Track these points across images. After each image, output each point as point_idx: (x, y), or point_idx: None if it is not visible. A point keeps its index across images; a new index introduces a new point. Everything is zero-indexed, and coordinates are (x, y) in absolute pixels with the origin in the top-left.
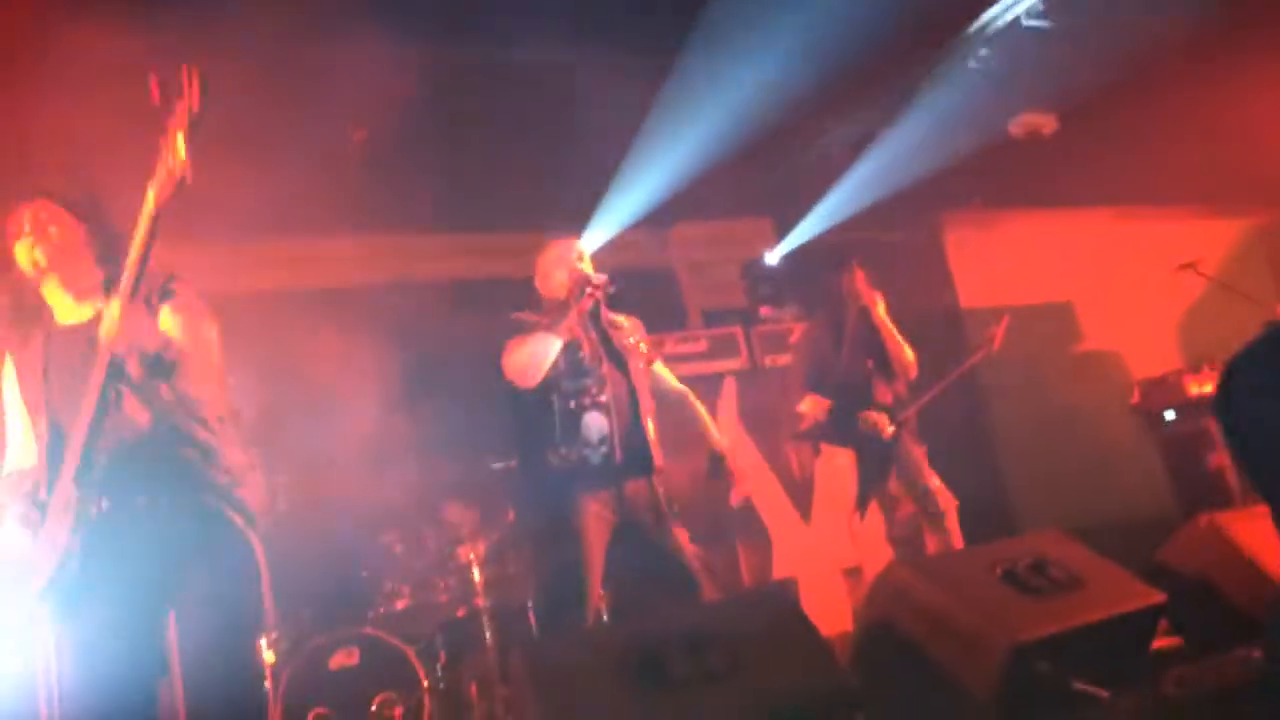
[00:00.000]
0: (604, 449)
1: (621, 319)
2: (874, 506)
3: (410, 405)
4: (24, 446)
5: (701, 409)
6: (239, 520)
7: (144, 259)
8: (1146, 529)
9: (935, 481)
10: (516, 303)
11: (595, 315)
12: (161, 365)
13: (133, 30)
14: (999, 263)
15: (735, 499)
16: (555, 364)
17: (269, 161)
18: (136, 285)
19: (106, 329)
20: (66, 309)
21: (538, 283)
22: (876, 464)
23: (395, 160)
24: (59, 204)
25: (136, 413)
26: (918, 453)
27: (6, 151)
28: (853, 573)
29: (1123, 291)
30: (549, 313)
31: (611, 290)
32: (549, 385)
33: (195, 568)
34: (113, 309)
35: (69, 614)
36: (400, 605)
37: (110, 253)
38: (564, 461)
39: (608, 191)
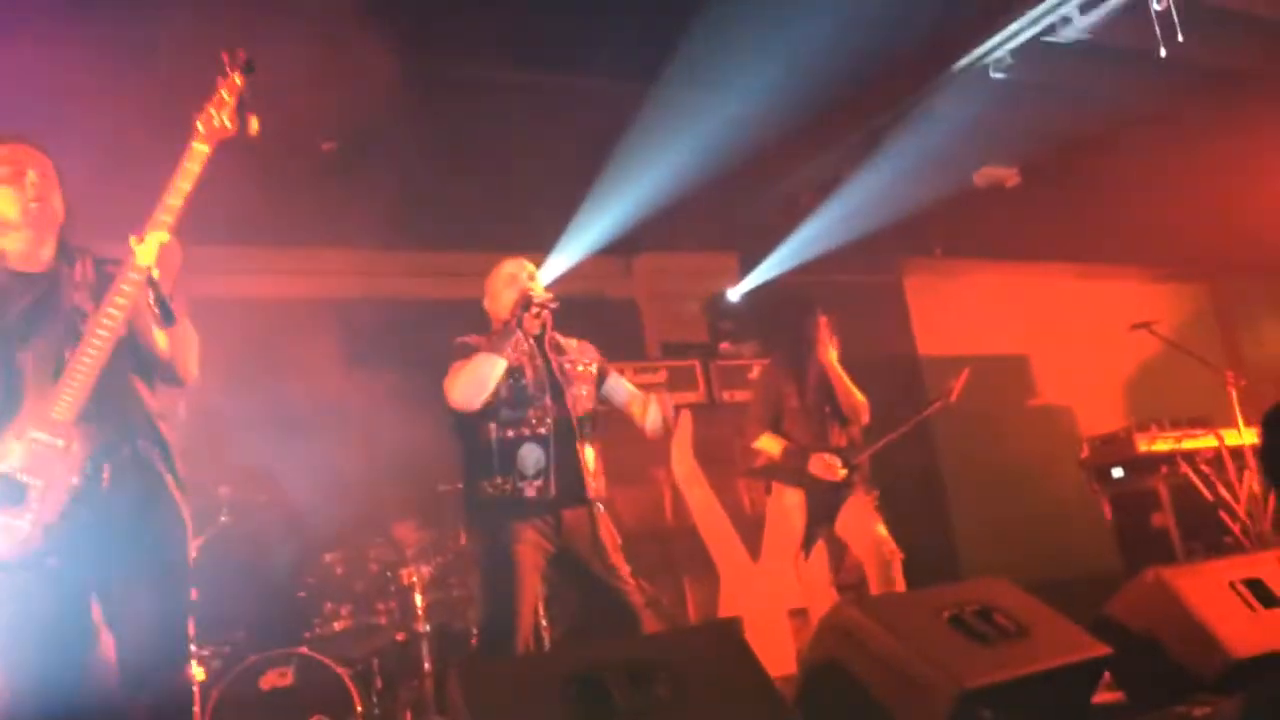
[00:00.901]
0: (539, 481)
1: (570, 341)
2: (821, 550)
3: (364, 421)
4: None
5: (639, 399)
6: (171, 481)
7: (187, 197)
8: (1091, 584)
9: (882, 530)
10: (471, 325)
11: (540, 339)
12: (165, 309)
13: None
14: (957, 312)
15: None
16: (497, 390)
17: (236, 167)
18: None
19: (149, 255)
20: (20, 257)
21: (486, 303)
22: (825, 506)
23: (362, 174)
24: (37, 149)
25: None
26: (867, 499)
27: None
28: (798, 614)
29: (1077, 347)
30: (495, 335)
31: (553, 307)
32: (488, 413)
33: (135, 527)
34: (161, 236)
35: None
36: (338, 626)
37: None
38: (499, 491)
39: (574, 216)
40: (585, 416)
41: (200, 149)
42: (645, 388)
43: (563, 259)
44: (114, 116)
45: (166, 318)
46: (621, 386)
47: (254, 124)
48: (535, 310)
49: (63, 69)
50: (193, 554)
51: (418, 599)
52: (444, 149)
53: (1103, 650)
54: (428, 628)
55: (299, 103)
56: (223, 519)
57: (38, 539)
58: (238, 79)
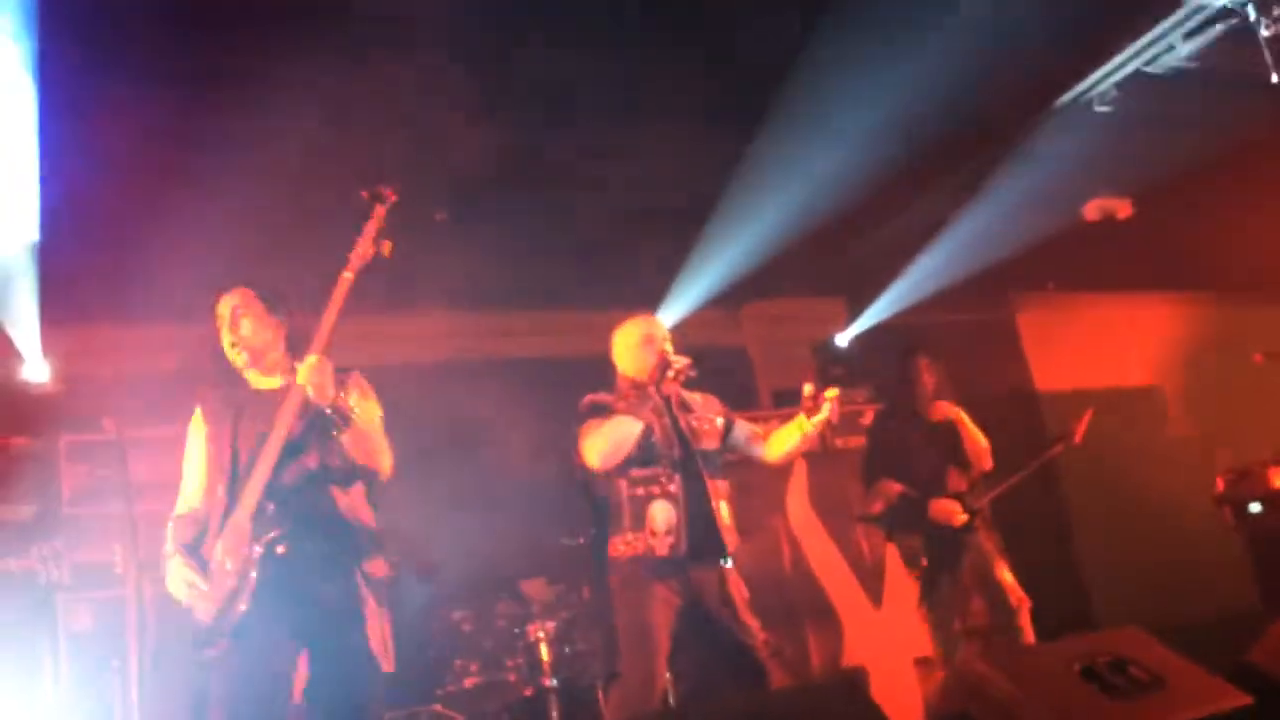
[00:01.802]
0: (670, 539)
1: (695, 397)
2: (946, 597)
3: (489, 479)
4: (197, 492)
5: (768, 442)
6: (357, 573)
7: (336, 321)
8: (1231, 626)
9: (1008, 576)
10: (588, 382)
11: (668, 397)
12: (339, 416)
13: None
14: (1075, 346)
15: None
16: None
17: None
18: (328, 344)
19: (304, 375)
20: (257, 378)
21: (616, 359)
22: (948, 551)
23: (476, 239)
24: (256, 296)
25: (308, 458)
26: (990, 544)
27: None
28: (924, 662)
29: (1206, 377)
30: (624, 394)
31: (693, 375)
32: (619, 470)
33: (331, 619)
34: (310, 360)
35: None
36: (468, 683)
37: (296, 334)
38: (630, 549)
39: (682, 269)
40: (715, 471)
41: (347, 278)
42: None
43: (672, 312)
44: None
45: (333, 425)
46: (749, 433)
47: (387, 247)
48: (673, 374)
49: None
50: None
51: (544, 654)
52: (555, 210)
53: (1244, 700)
54: (555, 683)
55: (413, 176)
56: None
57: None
58: (379, 211)
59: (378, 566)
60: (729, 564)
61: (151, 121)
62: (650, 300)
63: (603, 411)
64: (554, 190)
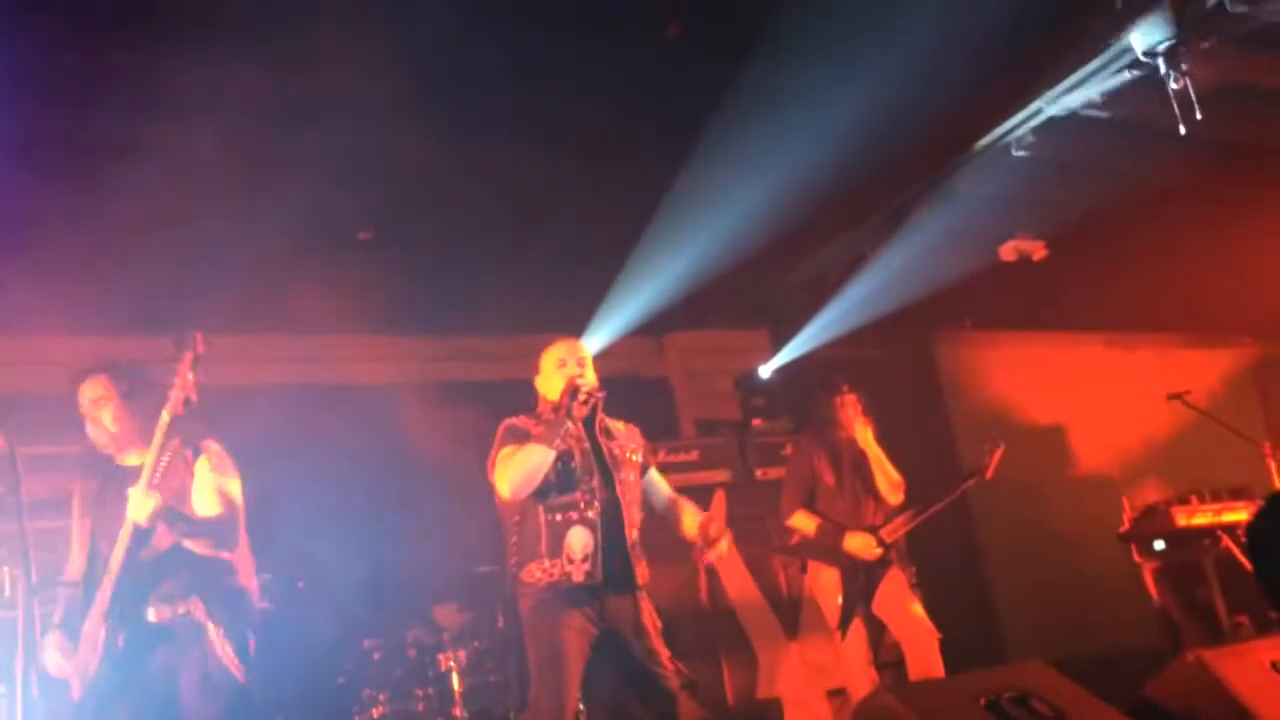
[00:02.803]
0: (587, 566)
1: (619, 425)
2: (859, 629)
3: (404, 505)
4: (75, 564)
5: (689, 511)
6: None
7: (161, 456)
8: (1134, 661)
9: (918, 609)
10: (510, 406)
11: (590, 423)
12: (185, 520)
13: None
14: (991, 383)
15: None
16: (546, 474)
17: (273, 256)
18: (154, 476)
19: (133, 511)
20: (122, 458)
21: (538, 383)
22: (861, 584)
23: (396, 261)
24: (113, 385)
25: (158, 540)
26: (903, 576)
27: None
28: (837, 694)
29: (1115, 417)
30: (544, 418)
31: (600, 396)
32: (536, 496)
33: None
34: (137, 494)
35: None
36: (376, 713)
37: (151, 415)
38: (546, 575)
39: (605, 298)
40: (632, 501)
41: (165, 420)
42: (678, 468)
43: (595, 340)
44: None
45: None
46: (659, 488)
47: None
48: (583, 399)
49: None
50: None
51: (455, 684)
52: (475, 235)
53: None
54: (466, 714)
55: (336, 195)
56: (261, 605)
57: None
58: (187, 359)
59: (228, 587)
60: (643, 593)
61: (39, 125)
62: (574, 327)
63: (519, 436)
64: (480, 216)
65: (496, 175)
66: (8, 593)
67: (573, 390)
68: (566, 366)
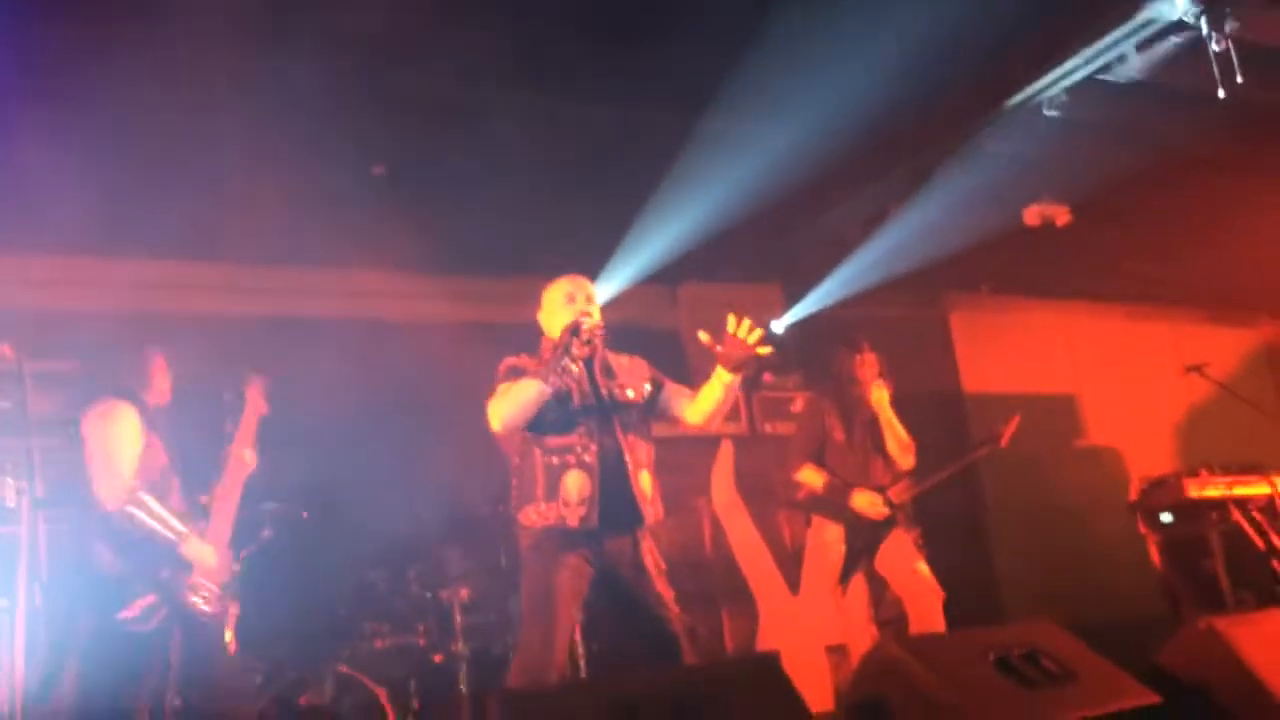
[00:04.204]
0: (582, 510)
1: (622, 360)
2: (861, 586)
3: (410, 442)
4: None
5: (706, 387)
6: None
7: None
8: (1137, 629)
9: (923, 568)
10: (518, 347)
11: (590, 363)
12: None
13: None
14: (1005, 349)
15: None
16: (543, 415)
17: (290, 190)
18: None
19: None
20: None
21: (540, 318)
22: (865, 542)
23: (409, 197)
24: None
25: None
26: (909, 536)
27: None
28: (837, 650)
29: (1128, 388)
30: (544, 357)
31: (600, 336)
32: (534, 438)
33: None
34: None
35: None
36: (378, 645)
37: None
38: (542, 519)
39: (621, 243)
40: (638, 438)
41: None
42: None
43: (608, 285)
44: None
45: None
46: (681, 395)
47: None
48: (585, 338)
49: None
50: (236, 568)
51: (457, 620)
52: (491, 174)
53: (1152, 699)
54: (466, 650)
55: (349, 127)
56: (265, 533)
57: None
58: None
59: None
60: (646, 534)
61: (62, 40)
62: (584, 271)
63: (515, 374)
64: (494, 155)
65: (510, 116)
66: (11, 505)
67: (574, 328)
68: (575, 302)
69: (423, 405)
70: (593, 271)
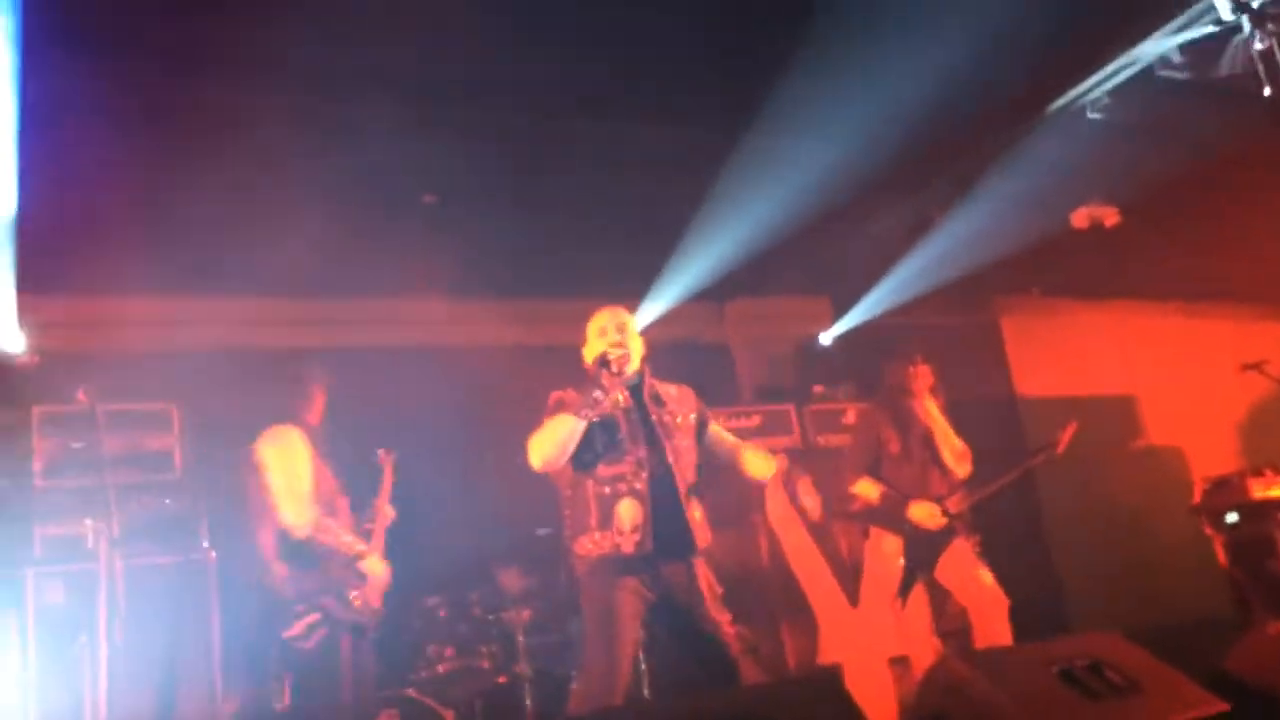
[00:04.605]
0: (636, 536)
1: (670, 389)
2: (922, 597)
3: (466, 467)
4: None
5: (751, 454)
6: None
7: None
8: (1204, 632)
9: (986, 576)
10: (570, 369)
11: (638, 391)
12: None
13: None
14: (1058, 352)
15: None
16: (592, 445)
17: (343, 223)
18: None
19: None
20: None
21: (584, 351)
22: (925, 552)
23: (462, 225)
24: None
25: None
26: (968, 545)
27: None
28: (899, 661)
29: (1186, 387)
30: (585, 388)
31: (623, 360)
32: (584, 467)
33: None
34: None
35: None
36: (442, 669)
37: None
38: (597, 548)
39: (668, 262)
40: (687, 466)
41: None
42: (738, 434)
43: (656, 305)
44: None
45: None
46: (723, 441)
47: None
48: (614, 369)
49: None
50: None
51: (519, 641)
52: (540, 198)
53: (1220, 707)
54: (529, 671)
55: (400, 158)
56: None
57: None
58: None
59: None
60: (698, 559)
61: (136, 94)
62: (634, 293)
63: (559, 406)
64: (543, 180)
65: (558, 140)
66: (90, 545)
67: (602, 360)
68: (606, 335)
69: (480, 429)
70: (641, 291)
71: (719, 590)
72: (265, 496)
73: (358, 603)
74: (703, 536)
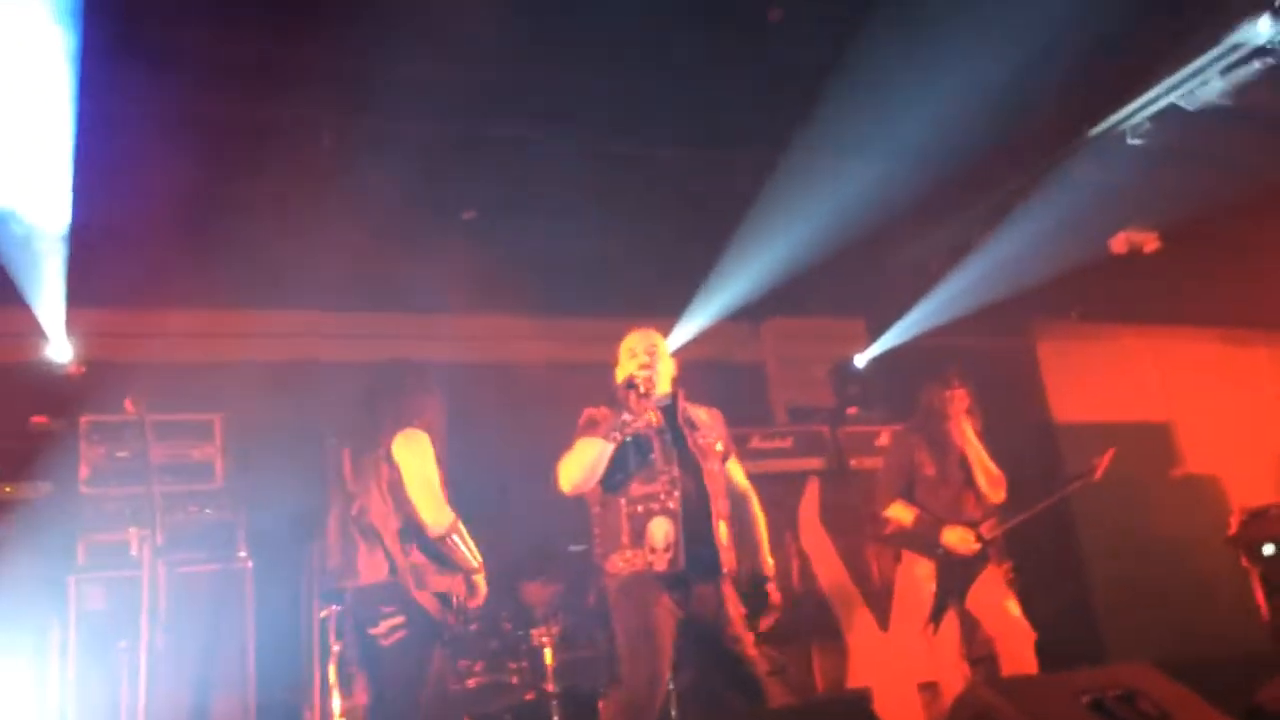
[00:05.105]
0: (669, 554)
1: (702, 413)
2: (953, 623)
3: (497, 483)
4: None
5: (760, 518)
6: None
7: None
8: (1241, 668)
9: (1014, 607)
10: (605, 385)
11: (671, 413)
12: None
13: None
14: (1095, 377)
15: (764, 626)
16: (625, 465)
17: (380, 237)
18: None
19: None
20: None
21: (616, 372)
22: (957, 578)
23: (500, 240)
24: None
25: None
26: (999, 573)
27: None
28: (928, 687)
29: (1225, 415)
30: (622, 408)
31: (653, 388)
32: (616, 487)
33: None
34: None
35: None
36: (472, 683)
37: None
38: (629, 565)
39: (704, 281)
40: (718, 491)
41: None
42: (771, 454)
43: (692, 324)
44: None
45: None
46: (734, 481)
47: None
48: (642, 391)
49: None
50: (338, 607)
51: (548, 658)
52: (578, 215)
53: None
54: (557, 687)
55: (442, 173)
56: None
57: None
58: None
59: None
60: (725, 581)
61: (186, 109)
62: (670, 311)
63: (592, 428)
64: (581, 197)
65: (599, 158)
66: (134, 552)
67: (629, 383)
68: (636, 356)
69: (511, 444)
70: (678, 309)
71: (743, 610)
72: (401, 493)
73: (458, 615)
74: (729, 560)
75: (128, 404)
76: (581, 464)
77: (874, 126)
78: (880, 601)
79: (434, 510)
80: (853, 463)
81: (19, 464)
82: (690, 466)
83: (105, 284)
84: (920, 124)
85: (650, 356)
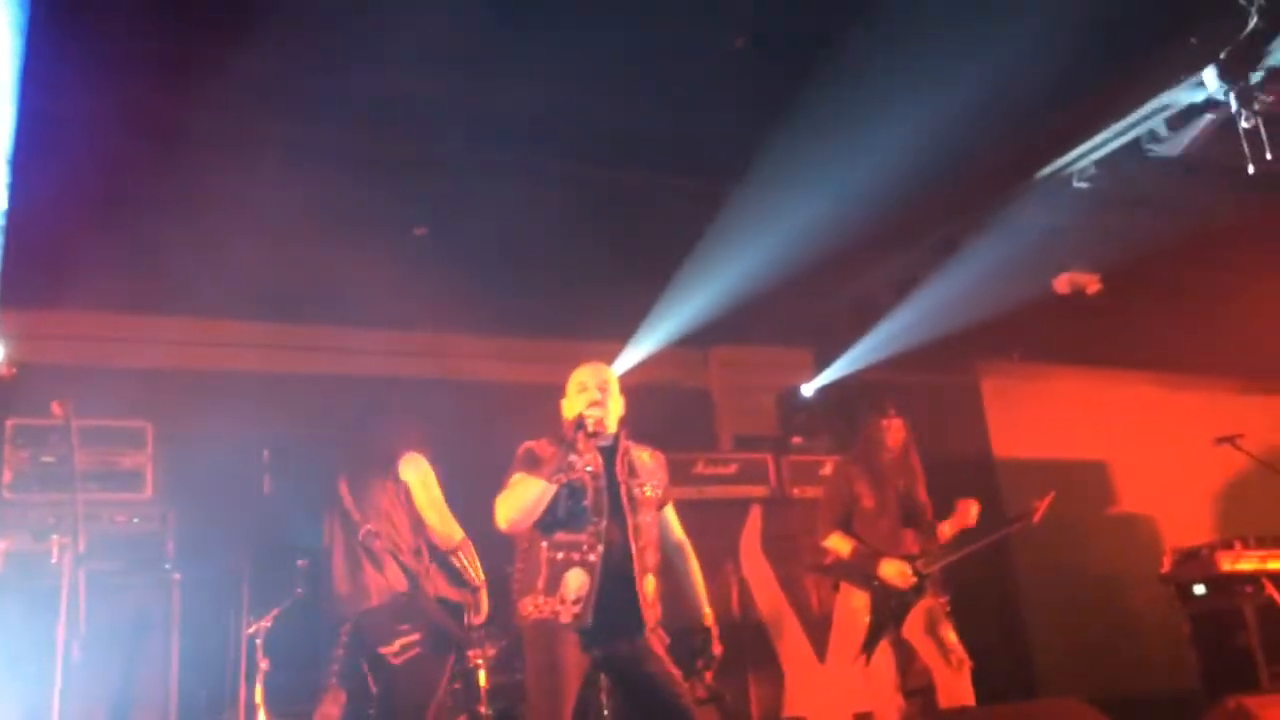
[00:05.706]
0: (577, 609)
1: (645, 455)
2: (888, 653)
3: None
4: None
5: (696, 569)
6: None
7: None
8: (1169, 703)
9: (951, 636)
10: (548, 411)
11: (610, 457)
12: None
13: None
14: (1036, 416)
15: (709, 678)
16: (555, 510)
17: (332, 250)
18: None
19: None
20: None
21: (563, 405)
22: (893, 609)
23: (450, 258)
24: None
25: None
26: (937, 605)
27: None
28: (863, 717)
29: (1161, 457)
30: (565, 444)
31: (603, 428)
32: (543, 530)
33: None
34: None
35: None
36: None
37: None
38: (538, 611)
39: (653, 307)
40: (647, 545)
41: None
42: (715, 480)
43: (640, 348)
44: None
45: None
46: (670, 530)
47: None
48: (591, 430)
49: None
50: (267, 624)
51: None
52: (531, 238)
53: None
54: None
55: (392, 190)
56: (299, 590)
57: None
58: None
59: None
60: (646, 636)
61: (127, 112)
62: (618, 335)
63: (531, 463)
64: (533, 220)
65: (551, 181)
66: (55, 561)
67: (579, 423)
68: (587, 391)
69: (446, 463)
70: (627, 333)
71: (666, 640)
72: (414, 511)
73: (467, 629)
74: (652, 615)
75: (55, 407)
76: (520, 504)
77: (825, 162)
78: (819, 631)
79: (446, 527)
80: (795, 491)
81: None
82: (620, 519)
83: (38, 286)
84: (871, 161)
85: (602, 394)
